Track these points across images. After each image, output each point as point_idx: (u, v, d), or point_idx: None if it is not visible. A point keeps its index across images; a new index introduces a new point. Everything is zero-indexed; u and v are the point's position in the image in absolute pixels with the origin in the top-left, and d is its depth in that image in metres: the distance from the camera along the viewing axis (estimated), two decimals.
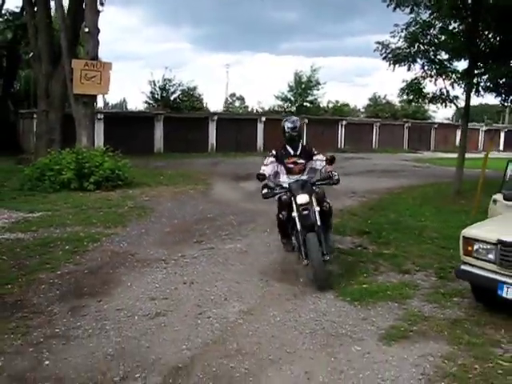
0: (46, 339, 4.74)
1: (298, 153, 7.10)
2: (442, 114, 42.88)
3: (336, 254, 7.43)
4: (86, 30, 16.02)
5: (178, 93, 34.77)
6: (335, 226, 9.29)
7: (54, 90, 17.69)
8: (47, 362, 4.31)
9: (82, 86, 16.14)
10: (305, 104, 38.92)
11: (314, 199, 6.57)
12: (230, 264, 7.27)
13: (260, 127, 31.80)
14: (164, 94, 34.39)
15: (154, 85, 34.37)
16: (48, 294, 5.98)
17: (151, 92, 34.78)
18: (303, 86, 38.84)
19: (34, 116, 20.96)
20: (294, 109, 37.97)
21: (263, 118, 32.24)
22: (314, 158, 7.14)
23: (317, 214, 6.52)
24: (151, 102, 35.48)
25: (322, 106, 41.43)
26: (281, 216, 6.87)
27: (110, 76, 16.84)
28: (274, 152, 7.21)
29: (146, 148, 26.37)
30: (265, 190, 6.74)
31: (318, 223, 6.47)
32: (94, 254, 7.71)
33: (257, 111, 41.53)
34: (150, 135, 28.01)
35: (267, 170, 6.99)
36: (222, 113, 37.51)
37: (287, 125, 7.14)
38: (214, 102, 61.11)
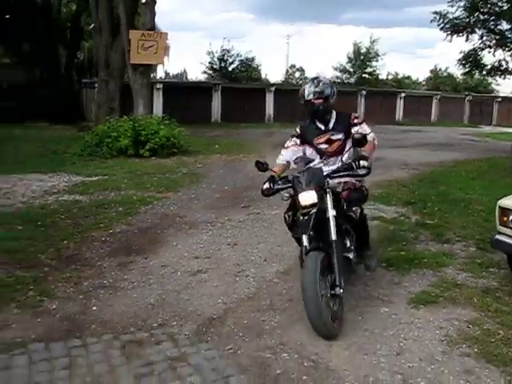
0: (95, 289, 5.15)
1: (331, 126, 5.08)
2: (506, 87, 41.14)
3: (377, 223, 7.57)
4: (143, 0, 16.41)
5: (237, 63, 35.01)
6: (381, 196, 9.45)
7: (113, 60, 18.26)
8: (94, 308, 4.71)
9: (139, 56, 16.60)
10: (363, 76, 38.45)
11: (328, 198, 4.52)
12: (274, 228, 7.48)
13: None
14: (222, 65, 34.67)
15: (213, 55, 34.68)
16: (99, 250, 6.41)
17: (210, 62, 35.17)
18: (362, 57, 38.34)
19: (95, 85, 21.62)
20: (352, 80, 37.59)
21: None
22: (354, 130, 4.96)
23: (331, 221, 4.44)
24: (210, 72, 35.87)
25: (381, 78, 40.82)
26: (286, 217, 4.92)
27: (166, 46, 17.21)
28: (297, 130, 5.27)
29: (203, 118, 26.75)
30: (265, 185, 4.86)
31: (333, 237, 4.39)
32: (145, 216, 8.12)
33: None
34: (208, 105, 28.36)
35: (285, 155, 5.21)
36: (279, 84, 37.46)
37: (308, 89, 4.98)
38: (274, 73, 61.09)
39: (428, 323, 4.59)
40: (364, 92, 30.55)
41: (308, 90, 4.98)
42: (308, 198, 4.40)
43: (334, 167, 4.95)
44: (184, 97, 26.24)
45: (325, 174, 4.70)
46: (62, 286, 5.18)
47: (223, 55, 34.29)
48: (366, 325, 4.51)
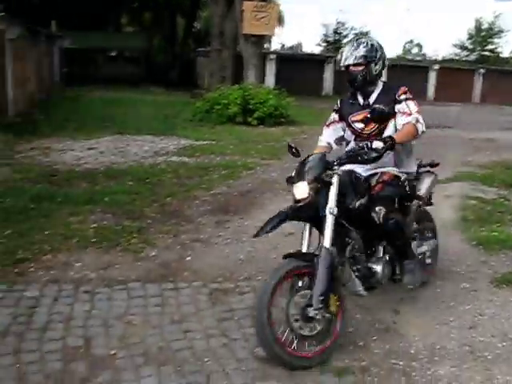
0: (191, 242, 5.58)
1: (372, 101, 4.12)
2: None
3: (474, 203, 7.42)
4: None
5: (351, 37, 34.58)
6: (483, 176, 9.18)
7: (226, 29, 18.77)
8: (188, 258, 5.14)
9: (251, 27, 16.97)
10: (483, 53, 36.60)
11: (331, 191, 3.65)
12: None
13: (432, 75, 30.66)
14: (336, 38, 34.40)
15: (327, 28, 34.49)
16: (200, 208, 6.85)
17: (324, 35, 34.97)
18: (483, 33, 36.44)
19: (209, 54, 22.29)
20: (471, 58, 35.94)
21: (436, 66, 30.99)
22: (396, 108, 4.03)
23: (328, 221, 3.59)
24: (324, 45, 35.72)
25: (504, 56, 38.64)
26: None
27: (278, 17, 17.44)
28: (338, 103, 4.39)
29: (313, 90, 26.87)
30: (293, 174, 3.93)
31: (326, 243, 3.54)
32: (246, 180, 8.51)
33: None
34: (319, 78, 28.38)
35: (326, 135, 4.44)
36: (392, 59, 36.54)
37: (346, 53, 4.06)
38: (391, 49, 59.46)
39: (507, 303, 4.54)
40: (482, 70, 29.14)
41: (345, 54, 4.06)
42: (299, 190, 3.70)
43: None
44: (296, 68, 26.43)
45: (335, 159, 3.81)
46: (162, 237, 5.67)
47: (337, 28, 34.00)
48: (443, 298, 4.58)
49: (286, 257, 3.63)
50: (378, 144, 3.67)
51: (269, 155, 10.66)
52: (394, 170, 4.17)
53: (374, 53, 4.03)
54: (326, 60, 28.63)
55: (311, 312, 3.41)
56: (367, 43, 4.06)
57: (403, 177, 4.17)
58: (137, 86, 25.99)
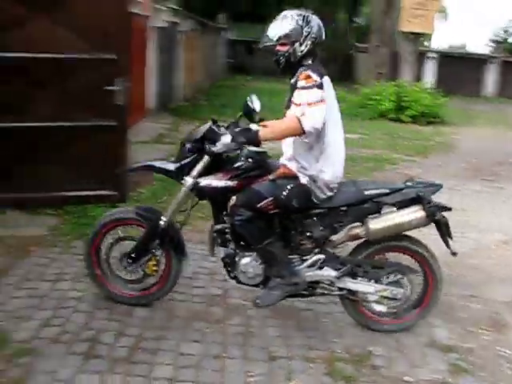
0: None
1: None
2: None
3: None
4: None
5: None
6: None
7: (386, 26, 18.77)
8: None
9: (409, 24, 16.94)
10: None
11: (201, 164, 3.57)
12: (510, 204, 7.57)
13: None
14: (505, 37, 32.70)
15: (497, 28, 32.85)
16: None
17: (494, 34, 33.38)
18: None
19: (367, 50, 22.42)
20: None
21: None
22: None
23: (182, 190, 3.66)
24: (492, 44, 34.13)
25: None
26: None
27: (440, 14, 17.21)
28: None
29: (473, 90, 25.87)
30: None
31: (164, 217, 3.74)
32: (388, 174, 8.82)
33: None
34: (480, 78, 27.23)
35: None
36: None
37: (269, 31, 3.55)
38: None
39: None
40: None
41: (268, 32, 3.54)
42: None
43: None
44: (456, 67, 25.63)
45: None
46: None
47: (507, 27, 32.32)
48: None
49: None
50: (221, 144, 3.39)
51: (415, 152, 10.80)
52: (299, 170, 3.54)
53: (298, 31, 3.46)
54: (488, 60, 27.41)
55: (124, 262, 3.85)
56: (292, 18, 3.49)
57: (305, 180, 3.52)
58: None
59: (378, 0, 19.07)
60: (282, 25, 3.48)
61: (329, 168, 3.50)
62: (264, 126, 3.38)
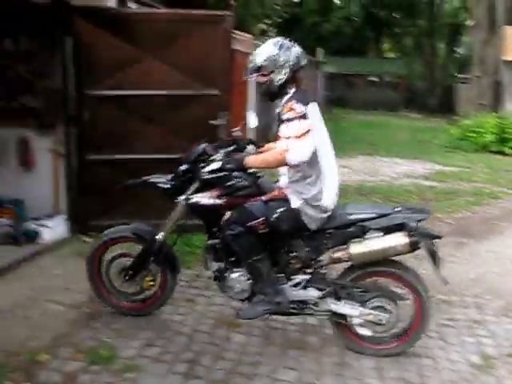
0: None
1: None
2: None
3: None
4: None
5: None
6: None
7: (487, 55, 18.28)
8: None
9: None
10: None
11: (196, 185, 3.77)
12: None
13: None
14: None
15: None
16: (441, 229, 7.02)
17: None
18: None
19: (468, 81, 21.92)
20: None
21: None
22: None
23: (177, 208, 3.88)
24: None
25: None
26: None
27: None
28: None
29: None
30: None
31: (160, 236, 4.00)
32: (489, 208, 8.53)
33: None
34: None
35: None
36: None
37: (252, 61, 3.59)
38: None
39: None
40: None
41: (251, 62, 3.57)
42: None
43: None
44: None
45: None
46: None
47: None
48: None
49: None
50: (214, 166, 3.60)
51: None
52: (293, 193, 3.57)
53: (274, 61, 3.45)
54: None
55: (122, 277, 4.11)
56: (268, 48, 3.50)
57: (297, 204, 3.53)
58: (395, 111, 26.63)
59: (479, 29, 18.65)
60: (259, 56, 3.51)
61: (324, 192, 3.54)
62: (259, 152, 3.71)
